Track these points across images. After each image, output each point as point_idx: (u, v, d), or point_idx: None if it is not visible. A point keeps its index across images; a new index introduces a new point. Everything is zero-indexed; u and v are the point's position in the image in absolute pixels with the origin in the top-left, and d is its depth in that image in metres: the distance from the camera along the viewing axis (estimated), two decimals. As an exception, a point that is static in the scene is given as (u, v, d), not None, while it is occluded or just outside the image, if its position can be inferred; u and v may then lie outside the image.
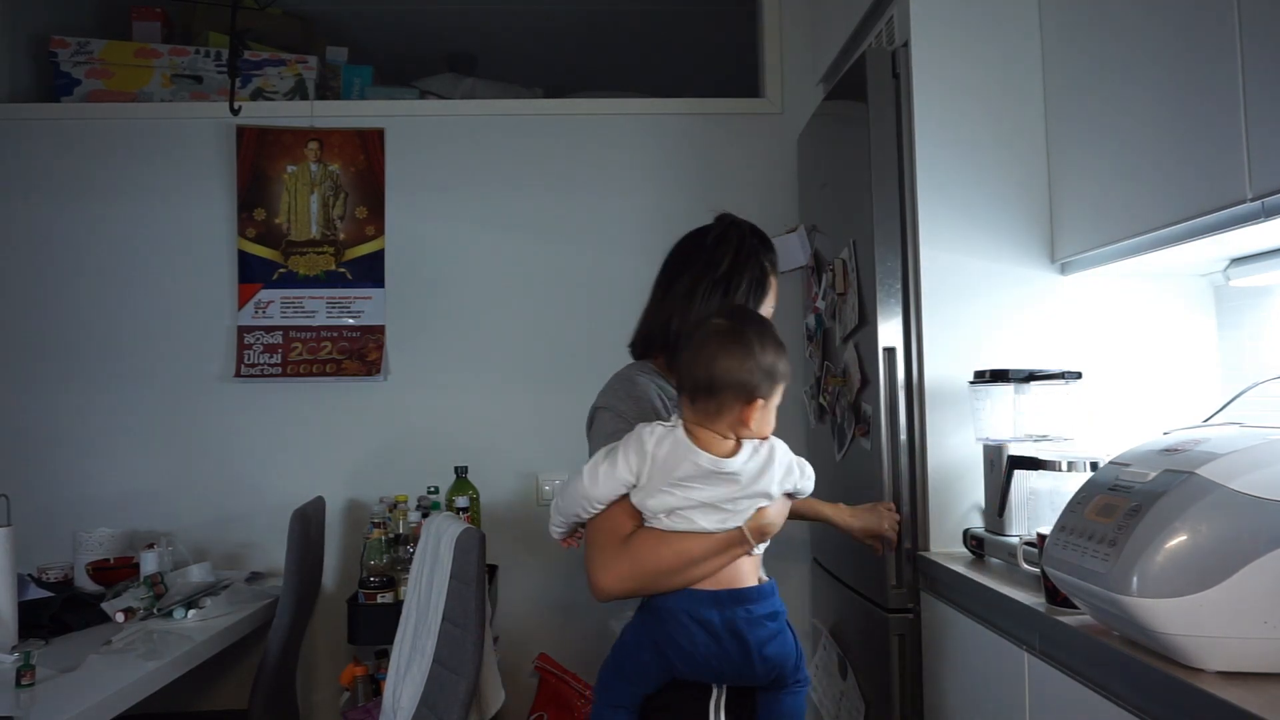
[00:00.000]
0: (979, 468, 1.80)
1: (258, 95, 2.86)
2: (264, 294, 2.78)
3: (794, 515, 1.57)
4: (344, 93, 3.01)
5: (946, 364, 1.87)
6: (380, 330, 2.80)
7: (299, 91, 2.88)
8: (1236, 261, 1.67)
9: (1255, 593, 1.02)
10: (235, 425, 2.77)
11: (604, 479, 1.29)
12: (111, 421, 2.76)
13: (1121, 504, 1.16)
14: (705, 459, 1.27)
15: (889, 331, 1.91)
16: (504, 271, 2.85)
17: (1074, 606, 1.30)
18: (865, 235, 1.96)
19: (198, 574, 2.30)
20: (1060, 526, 1.28)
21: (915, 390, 1.89)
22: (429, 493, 2.60)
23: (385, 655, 2.28)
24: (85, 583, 2.34)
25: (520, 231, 2.86)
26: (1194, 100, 1.41)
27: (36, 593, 2.12)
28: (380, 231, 2.82)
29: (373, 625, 2.30)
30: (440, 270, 2.83)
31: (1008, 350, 1.87)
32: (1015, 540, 1.60)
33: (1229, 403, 1.50)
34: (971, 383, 1.81)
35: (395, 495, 2.55)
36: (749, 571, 1.36)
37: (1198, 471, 1.09)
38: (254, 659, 2.39)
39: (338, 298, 2.80)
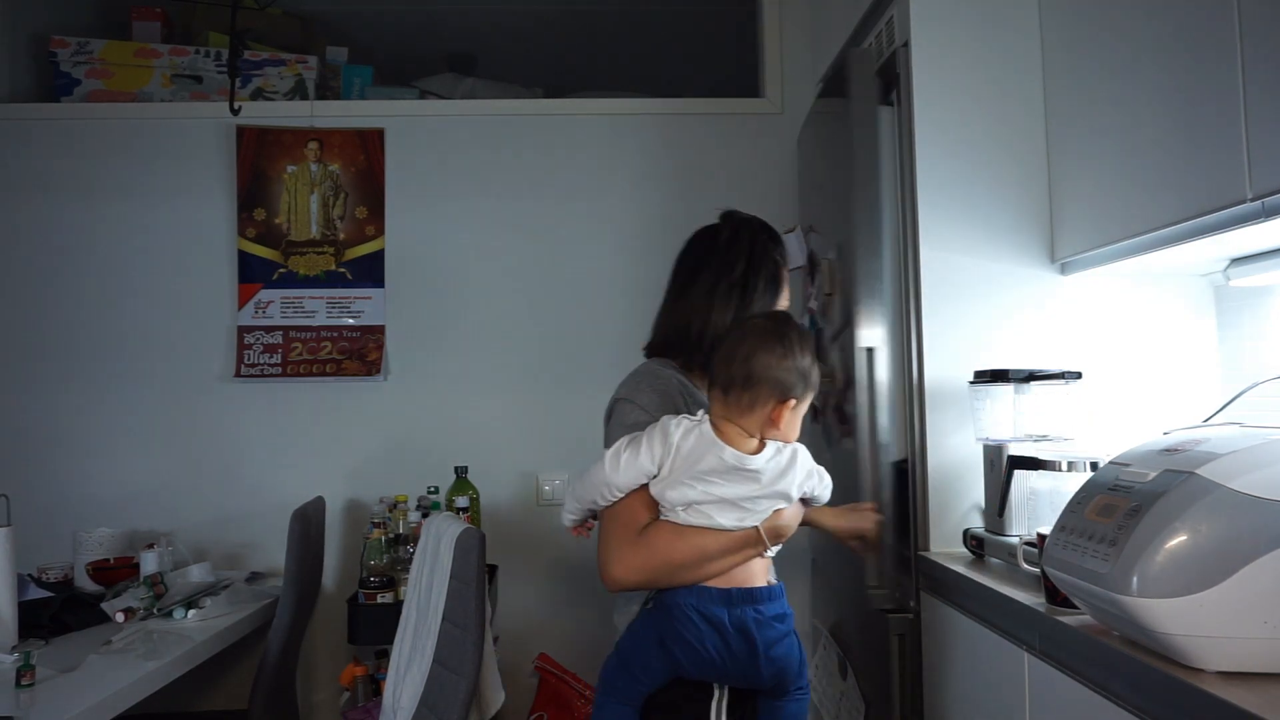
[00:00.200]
0: (979, 468, 1.80)
1: (258, 95, 2.86)
2: (264, 294, 2.78)
3: None
4: (344, 93, 3.01)
5: (946, 364, 1.87)
6: (380, 330, 2.80)
7: (299, 91, 2.88)
8: (1236, 261, 1.67)
9: (1255, 593, 1.02)
10: (235, 425, 2.77)
11: (625, 466, 1.29)
12: (111, 421, 2.76)
13: (1121, 504, 1.16)
14: (730, 454, 1.28)
15: (870, 332, 1.90)
16: (504, 271, 2.85)
17: (1074, 606, 1.30)
18: (848, 235, 1.96)
19: (198, 574, 2.30)
20: (1060, 526, 1.28)
21: (915, 390, 1.89)
22: (429, 493, 2.60)
23: (385, 655, 2.28)
24: (85, 583, 2.34)
25: (520, 231, 2.86)
26: (1194, 100, 1.41)
27: (36, 593, 2.12)
28: (380, 231, 2.82)
29: (373, 625, 2.31)
30: (440, 270, 2.83)
31: (1008, 350, 1.87)
32: (1015, 540, 1.60)
33: (1229, 403, 1.49)
34: (971, 383, 1.81)
35: (395, 495, 2.55)
36: (760, 572, 1.37)
37: (1198, 471, 1.09)
38: (254, 659, 2.39)
39: (338, 298, 2.80)
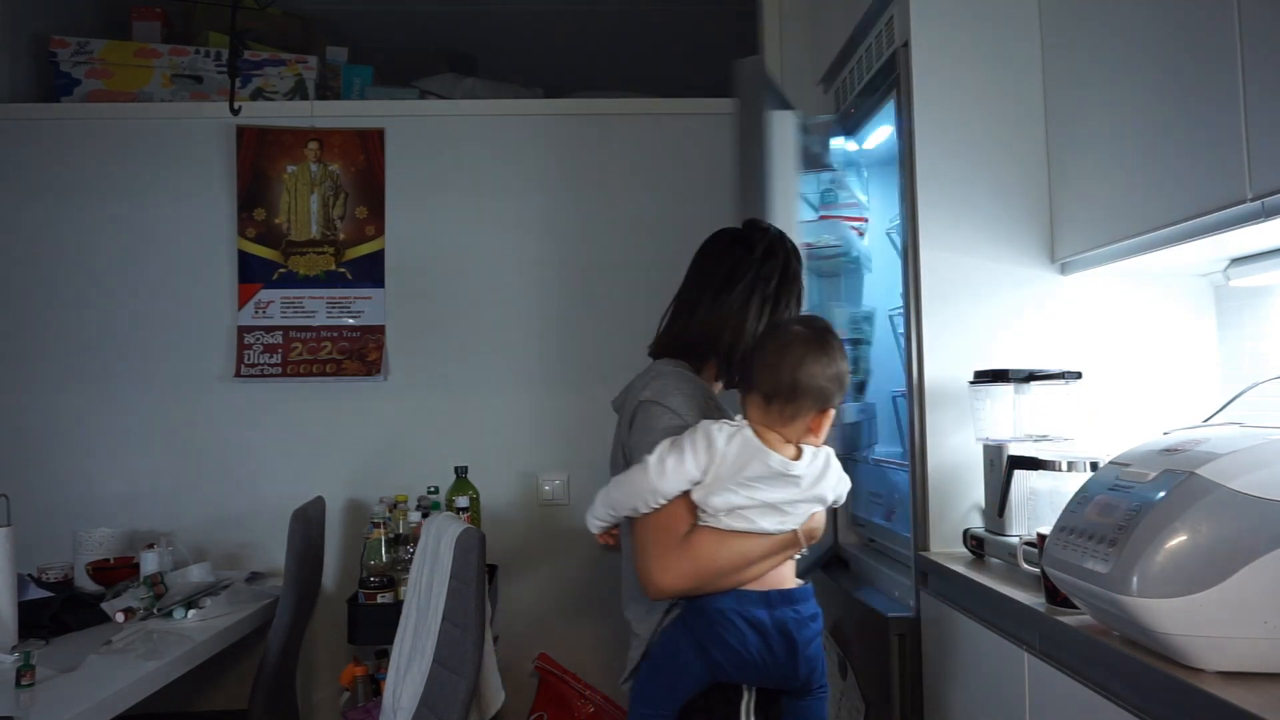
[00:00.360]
0: (979, 468, 1.80)
1: (258, 95, 2.86)
2: (264, 294, 2.78)
3: None
4: (344, 93, 3.01)
5: (946, 364, 1.87)
6: (380, 330, 2.80)
7: (299, 91, 2.88)
8: (1236, 261, 1.67)
9: (1255, 593, 1.02)
10: (235, 425, 2.77)
11: (672, 472, 1.28)
12: (112, 421, 2.76)
13: (1121, 504, 1.16)
14: (776, 460, 1.29)
15: None
16: (504, 271, 2.85)
17: (1074, 606, 1.30)
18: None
19: (198, 574, 2.30)
20: (1060, 526, 1.28)
21: (915, 390, 1.89)
22: (429, 493, 2.60)
23: (385, 655, 2.28)
24: (85, 583, 2.34)
25: (520, 231, 2.86)
26: (1194, 100, 1.41)
27: (36, 593, 2.12)
28: (380, 231, 2.82)
29: (373, 625, 2.31)
30: (440, 270, 2.83)
31: (1008, 350, 1.87)
32: (1015, 540, 1.60)
33: (1229, 403, 1.49)
34: (971, 383, 1.81)
35: (395, 495, 2.55)
36: (789, 573, 1.39)
37: (1198, 471, 1.09)
38: (254, 659, 2.39)
39: (338, 298, 2.80)
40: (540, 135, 2.87)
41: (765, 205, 1.90)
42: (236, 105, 2.69)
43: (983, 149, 1.91)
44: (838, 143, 2.50)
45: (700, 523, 1.31)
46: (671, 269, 1.66)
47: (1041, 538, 1.43)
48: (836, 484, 1.36)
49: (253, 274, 2.78)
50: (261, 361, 2.76)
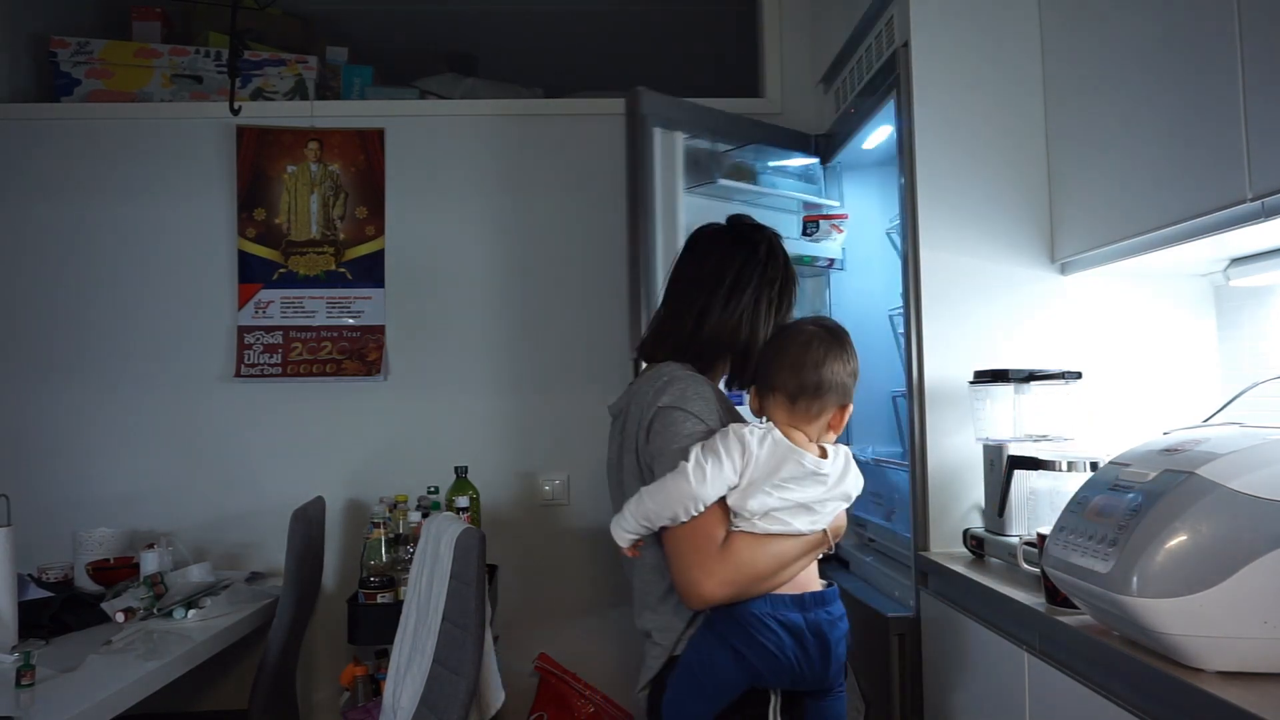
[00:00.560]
0: (979, 468, 1.80)
1: (258, 95, 2.86)
2: (264, 294, 2.78)
3: None
4: (344, 93, 3.01)
5: (946, 364, 1.87)
6: (380, 330, 2.80)
7: (299, 91, 2.88)
8: (1236, 261, 1.67)
9: (1255, 593, 1.02)
10: (235, 425, 2.77)
11: (712, 479, 1.28)
12: (111, 421, 2.76)
13: (1121, 504, 1.16)
14: (809, 460, 1.30)
15: None
16: (504, 272, 2.85)
17: (1074, 606, 1.30)
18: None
19: (198, 574, 2.30)
20: (1060, 526, 1.28)
21: (915, 390, 1.89)
22: (429, 493, 2.60)
23: (385, 655, 2.28)
24: (85, 583, 2.34)
25: (520, 232, 2.86)
26: (1194, 100, 1.41)
27: (36, 593, 2.12)
28: (380, 231, 2.82)
29: (373, 625, 2.30)
30: (440, 270, 2.83)
31: (1008, 350, 1.87)
32: (1015, 540, 1.60)
33: (1229, 403, 1.50)
34: (971, 383, 1.81)
35: (395, 495, 2.55)
36: (815, 575, 1.39)
37: (1198, 471, 1.09)
38: (254, 659, 2.39)
39: (338, 298, 2.80)
40: (540, 135, 2.87)
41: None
42: (236, 105, 2.69)
43: (983, 149, 1.91)
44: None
45: (734, 528, 1.30)
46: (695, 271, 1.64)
47: (1041, 538, 1.43)
48: (856, 480, 1.38)
49: (253, 274, 2.78)
50: (261, 361, 2.76)
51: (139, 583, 2.20)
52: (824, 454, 1.34)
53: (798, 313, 1.56)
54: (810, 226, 2.52)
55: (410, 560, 2.20)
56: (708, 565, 1.28)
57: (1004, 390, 1.75)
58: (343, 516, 2.77)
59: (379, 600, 2.32)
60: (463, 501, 2.50)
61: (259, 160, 2.80)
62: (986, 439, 1.77)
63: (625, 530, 1.35)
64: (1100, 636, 1.21)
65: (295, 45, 3.00)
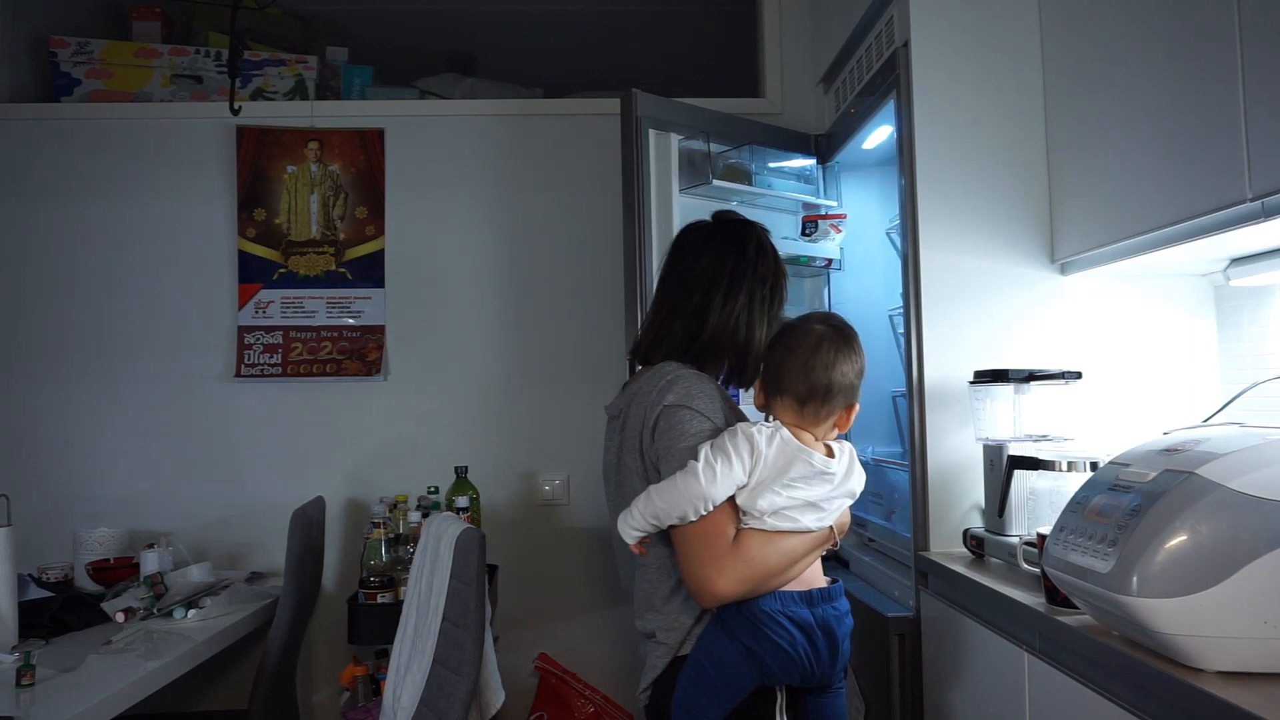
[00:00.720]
0: (979, 468, 1.80)
1: (258, 95, 2.86)
2: (264, 294, 2.78)
3: None
4: (344, 93, 3.01)
5: (946, 364, 1.87)
6: (380, 330, 2.80)
7: (299, 91, 2.88)
8: (1236, 261, 1.67)
9: (1255, 593, 1.02)
10: (235, 425, 2.77)
11: (721, 478, 1.28)
12: (112, 421, 2.76)
13: (1121, 504, 1.16)
14: (818, 459, 1.31)
15: None
16: (504, 271, 2.85)
17: (1074, 606, 1.30)
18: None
19: (198, 574, 2.30)
20: (1060, 526, 1.28)
21: (915, 390, 1.89)
22: (429, 493, 2.60)
23: (385, 655, 2.28)
24: (85, 583, 2.34)
25: (520, 232, 2.86)
26: (1194, 100, 1.41)
27: (36, 593, 2.12)
28: (380, 231, 2.82)
29: (373, 625, 2.30)
30: (440, 270, 2.83)
31: (1008, 350, 1.87)
32: (1015, 540, 1.60)
33: (1229, 403, 1.50)
34: (971, 383, 1.81)
35: (395, 495, 2.55)
36: (820, 571, 1.40)
37: (1198, 471, 1.09)
38: (254, 659, 2.39)
39: (338, 298, 2.80)
40: (540, 135, 2.87)
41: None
42: (236, 105, 2.69)
43: (983, 149, 1.91)
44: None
45: (743, 525, 1.31)
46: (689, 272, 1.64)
47: (1041, 538, 1.43)
48: (860, 477, 1.38)
49: (253, 274, 2.78)
50: (261, 361, 2.76)
51: (139, 583, 2.20)
52: (830, 453, 1.34)
53: (793, 312, 1.55)
54: (809, 227, 2.52)
55: (410, 560, 2.20)
56: (720, 563, 1.28)
57: (1004, 390, 1.75)
58: (343, 516, 2.77)
59: (379, 600, 2.32)
60: (463, 501, 2.50)
61: (259, 160, 2.80)
62: (986, 439, 1.77)
63: (633, 528, 1.35)
64: (1100, 636, 1.21)
65: (295, 45, 3.00)
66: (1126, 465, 1.24)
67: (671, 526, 1.32)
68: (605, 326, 2.79)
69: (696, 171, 2.36)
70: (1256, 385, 1.51)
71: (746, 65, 3.07)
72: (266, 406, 2.78)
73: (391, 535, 2.40)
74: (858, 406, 1.37)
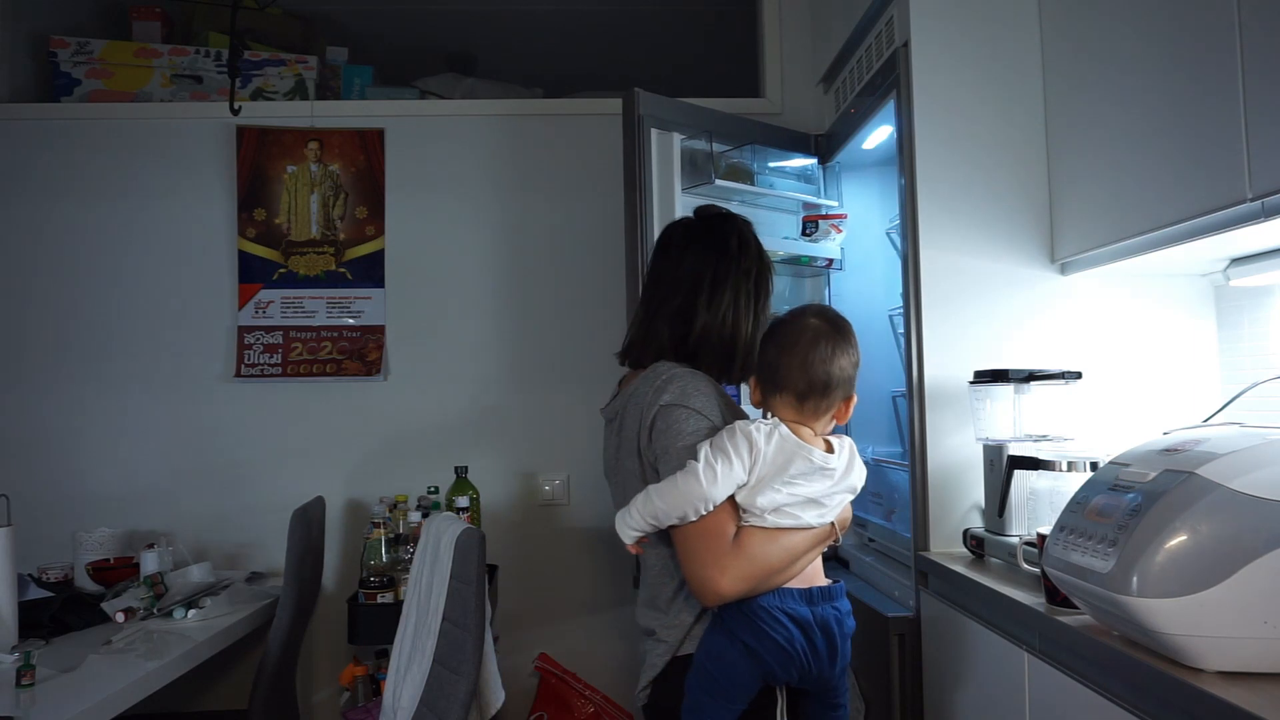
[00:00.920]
0: (979, 468, 1.80)
1: (258, 95, 2.86)
2: (264, 294, 2.78)
3: None
4: (344, 93, 3.01)
5: (946, 364, 1.87)
6: (380, 330, 2.80)
7: (299, 91, 2.88)
8: (1236, 261, 1.67)
9: (1255, 593, 1.02)
10: (235, 425, 2.77)
11: (723, 477, 1.27)
12: (111, 421, 2.76)
13: (1121, 504, 1.16)
14: (817, 455, 1.30)
15: None
16: (504, 271, 2.85)
17: (1074, 606, 1.30)
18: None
19: (198, 574, 2.29)
20: (1060, 526, 1.28)
21: (915, 390, 1.89)
22: (429, 493, 2.60)
23: (385, 655, 2.28)
24: (85, 583, 2.34)
25: (520, 232, 2.86)
26: (1194, 100, 1.41)
27: (36, 593, 2.12)
28: (380, 231, 2.82)
29: (373, 625, 2.30)
30: (440, 270, 2.83)
31: (1007, 350, 1.87)
32: (1015, 540, 1.60)
33: (1229, 403, 1.50)
34: (971, 383, 1.81)
35: (395, 495, 2.55)
36: (820, 570, 1.40)
37: (1198, 471, 1.09)
38: (254, 659, 2.39)
39: (338, 298, 2.80)
40: (540, 135, 2.87)
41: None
42: (236, 105, 2.69)
43: (983, 149, 1.91)
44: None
45: (744, 523, 1.31)
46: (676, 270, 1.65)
47: (1041, 538, 1.43)
48: (860, 473, 1.38)
49: (253, 274, 2.78)
50: (261, 361, 2.76)
51: (139, 583, 2.20)
52: (830, 448, 1.34)
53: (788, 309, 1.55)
54: (809, 226, 2.52)
55: (410, 560, 2.20)
56: (722, 561, 1.28)
57: (1004, 390, 1.75)
58: (343, 516, 2.77)
59: (379, 600, 2.32)
60: (463, 501, 2.50)
61: (259, 160, 2.80)
62: (986, 439, 1.77)
63: (631, 528, 1.34)
64: (1100, 636, 1.21)
65: (295, 45, 3.00)
66: (1126, 465, 1.24)
67: (671, 526, 1.32)
68: (606, 326, 2.78)
69: (698, 171, 2.36)
70: (1256, 385, 1.51)
71: (746, 65, 3.07)
72: (266, 406, 2.78)
73: (391, 535, 2.40)
74: (855, 398, 1.37)
